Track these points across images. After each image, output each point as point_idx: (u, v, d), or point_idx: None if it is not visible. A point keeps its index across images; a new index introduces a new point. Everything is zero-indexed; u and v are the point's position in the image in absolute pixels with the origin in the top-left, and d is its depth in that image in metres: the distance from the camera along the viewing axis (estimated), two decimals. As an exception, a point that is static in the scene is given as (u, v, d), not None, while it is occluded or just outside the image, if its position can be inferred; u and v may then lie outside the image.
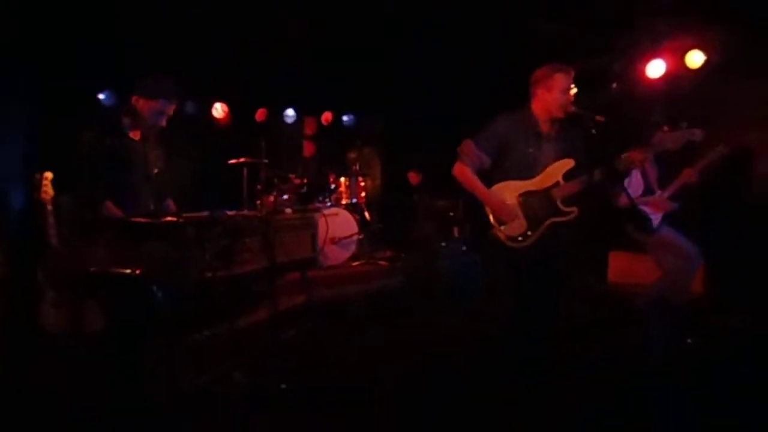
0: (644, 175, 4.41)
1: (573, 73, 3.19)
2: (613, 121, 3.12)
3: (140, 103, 3.33)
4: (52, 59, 5.14)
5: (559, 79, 3.16)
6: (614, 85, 5.95)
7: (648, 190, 4.40)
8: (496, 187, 3.29)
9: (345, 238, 6.07)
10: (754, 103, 5.01)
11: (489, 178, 3.34)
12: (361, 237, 6.25)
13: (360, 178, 6.84)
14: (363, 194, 6.86)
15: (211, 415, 2.92)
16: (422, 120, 7.40)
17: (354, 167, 6.89)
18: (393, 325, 4.64)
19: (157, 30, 5.28)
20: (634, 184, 4.43)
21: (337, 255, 6.05)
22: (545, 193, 3.21)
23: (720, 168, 4.35)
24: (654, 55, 5.48)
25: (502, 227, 3.27)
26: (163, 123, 3.41)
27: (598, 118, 3.07)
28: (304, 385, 3.23)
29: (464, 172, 3.30)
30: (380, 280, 5.93)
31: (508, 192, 3.26)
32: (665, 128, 3.93)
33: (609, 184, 3.21)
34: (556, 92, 3.16)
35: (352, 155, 7.49)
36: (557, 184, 3.19)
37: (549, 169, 3.22)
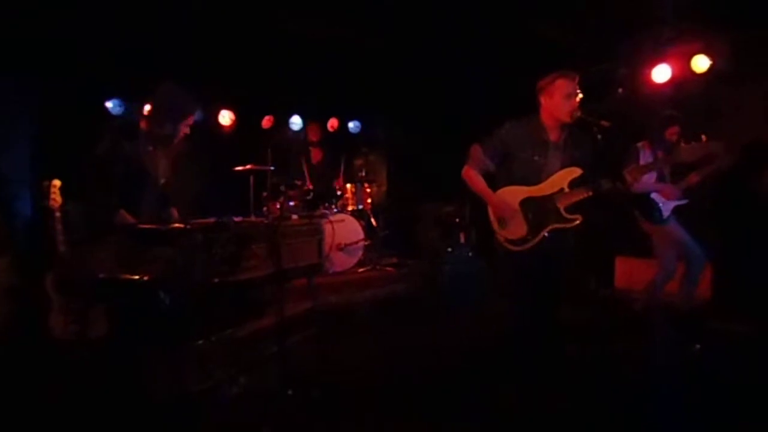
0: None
1: (576, 78, 3.20)
2: (618, 126, 3.12)
3: (158, 118, 3.34)
4: (58, 67, 5.19)
5: (561, 84, 3.17)
6: (620, 90, 5.95)
7: (661, 178, 4.40)
8: (501, 191, 3.32)
9: (351, 244, 6.08)
10: (760, 108, 5.01)
11: (495, 181, 3.37)
12: (367, 243, 6.25)
13: (366, 185, 6.86)
14: (369, 201, 6.87)
15: (217, 420, 2.93)
16: (428, 127, 7.42)
17: (360, 174, 6.90)
18: (399, 331, 4.64)
19: (164, 37, 5.32)
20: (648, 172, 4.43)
21: (343, 261, 6.06)
22: (549, 199, 3.22)
23: (727, 174, 4.35)
24: (660, 60, 5.48)
25: (503, 230, 3.29)
26: (183, 133, 3.44)
27: (604, 123, 3.07)
28: (310, 391, 3.23)
29: (471, 175, 3.38)
30: (386, 286, 5.94)
31: (512, 196, 3.28)
32: (682, 142, 3.97)
33: (615, 194, 3.18)
34: (558, 98, 3.17)
35: (359, 162, 7.50)
36: (562, 191, 3.20)
37: (555, 177, 3.23)
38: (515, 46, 5.78)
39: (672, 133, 4.41)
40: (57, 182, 3.37)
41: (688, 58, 5.30)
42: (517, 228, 3.25)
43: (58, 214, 3.32)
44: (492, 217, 3.36)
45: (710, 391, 3.28)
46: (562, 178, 3.22)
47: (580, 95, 3.21)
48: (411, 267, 6.58)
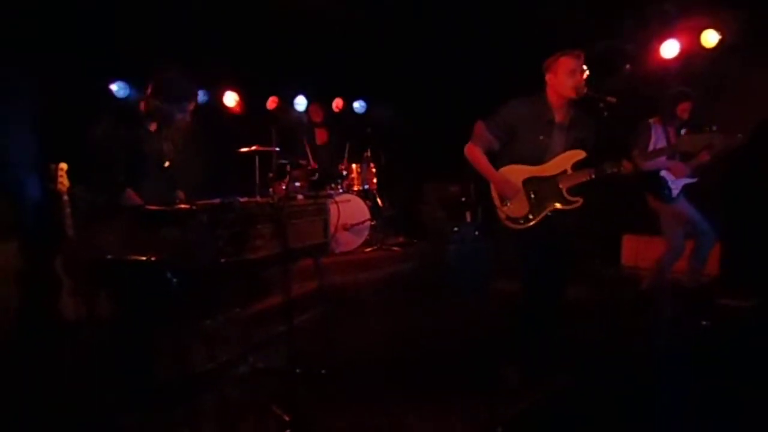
0: (668, 141, 4.37)
1: (581, 55, 3.18)
2: (626, 103, 3.09)
3: (157, 104, 3.34)
4: (63, 49, 5.17)
5: (565, 62, 3.17)
6: (628, 66, 5.88)
7: (671, 156, 4.37)
8: (504, 170, 3.32)
9: (357, 224, 6.09)
10: (764, 85, 4.94)
11: (497, 159, 3.37)
12: (373, 223, 6.26)
13: (371, 165, 6.84)
14: (375, 180, 6.87)
15: (225, 399, 2.97)
16: (434, 106, 7.37)
17: (365, 154, 6.89)
18: (405, 310, 4.66)
19: (169, 19, 5.29)
20: (658, 148, 4.41)
21: (349, 241, 6.08)
22: (552, 180, 3.23)
23: (737, 152, 4.30)
24: (668, 36, 5.40)
25: (505, 207, 3.30)
26: (184, 119, 3.43)
27: (610, 99, 3.05)
28: (317, 369, 3.26)
29: (474, 152, 3.37)
30: (392, 266, 5.95)
31: (515, 175, 3.28)
32: (685, 131, 3.95)
33: (619, 177, 3.17)
34: (562, 75, 3.17)
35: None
36: (565, 172, 3.21)
37: (559, 158, 3.24)
38: (520, 24, 5.71)
39: (683, 109, 4.37)
40: (64, 165, 3.38)
41: (697, 32, 5.23)
42: (519, 207, 3.26)
43: (65, 197, 3.33)
44: (494, 195, 3.37)
45: (718, 367, 3.29)
46: (566, 159, 3.22)
47: (587, 72, 3.19)
48: (417, 247, 6.59)
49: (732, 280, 4.87)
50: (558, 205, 3.22)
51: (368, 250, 6.25)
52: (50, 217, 3.43)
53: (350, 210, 6.04)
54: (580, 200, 3.20)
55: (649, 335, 3.88)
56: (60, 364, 3.20)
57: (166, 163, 3.48)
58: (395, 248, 6.47)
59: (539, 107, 3.26)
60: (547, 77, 3.25)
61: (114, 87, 5.90)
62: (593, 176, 3.15)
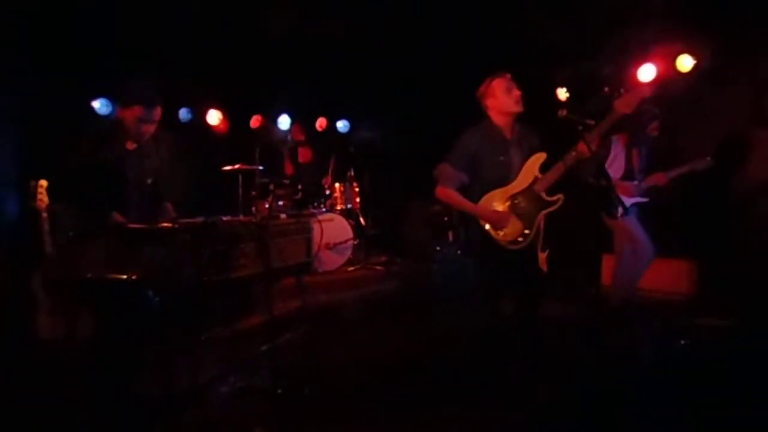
0: (628, 160, 4.52)
1: (509, 76, 3.36)
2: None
3: (121, 113, 3.32)
4: (45, 66, 5.15)
5: (499, 83, 3.35)
6: (606, 89, 5.99)
7: (628, 175, 4.50)
8: (484, 200, 3.36)
9: (340, 243, 6.10)
10: (743, 107, 5.09)
11: (469, 193, 3.40)
12: (356, 242, 6.27)
13: (355, 184, 6.87)
14: (358, 200, 6.89)
15: (207, 419, 2.93)
16: (416, 126, 7.44)
17: (348, 173, 6.92)
18: (388, 329, 4.65)
19: (153, 37, 5.30)
20: (616, 166, 4.52)
21: (332, 260, 6.08)
22: (528, 189, 3.32)
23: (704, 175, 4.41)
24: (645, 59, 5.53)
25: (501, 234, 3.33)
26: (149, 130, 3.33)
27: (589, 121, 3.15)
28: (301, 389, 3.24)
29: (448, 194, 3.40)
30: (375, 284, 5.96)
31: (496, 201, 3.35)
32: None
33: (583, 162, 3.27)
34: (501, 95, 3.33)
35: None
36: (536, 178, 3.31)
37: (524, 170, 3.34)
38: (502, 46, 5.81)
39: (654, 128, 4.52)
40: (44, 182, 3.35)
41: (673, 57, 5.37)
42: (515, 228, 3.31)
43: (45, 214, 3.30)
44: (487, 229, 3.36)
45: (695, 385, 3.33)
46: (531, 167, 3.33)
47: (567, 95, 3.27)
48: (400, 266, 6.61)
49: (708, 299, 4.93)
50: (545, 210, 3.31)
51: (351, 269, 6.25)
52: (29, 233, 3.39)
53: (333, 229, 6.05)
54: (561, 197, 3.30)
55: (626, 353, 3.91)
56: (36, 382, 3.14)
57: (149, 180, 3.45)
58: (378, 267, 6.48)
59: (489, 131, 3.39)
60: (487, 102, 3.40)
61: (96, 104, 5.86)
62: (564, 168, 3.24)
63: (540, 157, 3.32)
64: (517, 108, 3.31)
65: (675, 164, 4.47)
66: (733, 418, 2.89)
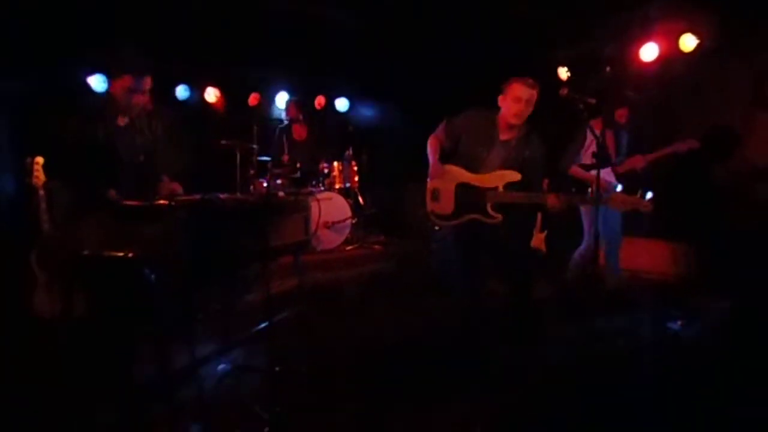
0: (602, 145, 4.41)
1: (532, 84, 3.32)
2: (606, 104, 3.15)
3: (112, 86, 3.26)
4: (39, 42, 5.08)
5: (515, 87, 3.32)
6: (608, 68, 5.94)
7: (606, 160, 4.43)
8: (448, 166, 3.50)
9: (338, 222, 6.08)
10: (744, 87, 5.04)
11: (448, 159, 3.57)
12: (354, 221, 6.26)
13: (353, 163, 6.83)
14: (356, 179, 6.86)
15: (204, 398, 2.95)
16: (416, 105, 7.38)
17: (347, 152, 6.87)
18: (386, 308, 4.66)
19: (150, 14, 5.22)
20: (590, 151, 4.46)
21: (330, 239, 6.07)
22: (481, 192, 3.39)
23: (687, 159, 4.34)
24: (647, 39, 5.47)
25: (433, 203, 3.52)
26: (140, 101, 3.25)
27: (590, 100, 3.14)
28: (298, 368, 3.25)
29: (431, 143, 3.61)
30: (373, 264, 5.96)
31: (452, 175, 3.47)
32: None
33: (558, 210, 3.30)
34: (510, 99, 3.34)
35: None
36: (496, 188, 3.36)
37: (494, 174, 3.39)
38: (503, 25, 5.75)
39: (621, 114, 4.42)
40: (40, 159, 3.31)
41: (675, 36, 5.30)
42: (446, 206, 3.46)
43: (41, 191, 3.27)
44: (428, 188, 3.56)
45: (691, 365, 3.35)
46: (502, 177, 3.37)
47: (568, 74, 3.25)
48: (398, 245, 6.60)
49: (705, 281, 4.95)
50: (475, 216, 3.38)
51: (349, 248, 6.24)
52: (25, 211, 3.37)
53: (332, 208, 6.03)
54: (500, 217, 3.36)
55: (622, 335, 3.93)
56: (34, 360, 3.15)
57: (141, 158, 3.39)
58: (376, 246, 6.47)
59: (487, 122, 3.44)
60: (499, 99, 3.42)
61: (92, 80, 5.79)
62: (526, 200, 3.30)
63: (512, 176, 3.35)
64: (514, 120, 3.33)
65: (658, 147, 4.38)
66: (728, 399, 2.90)
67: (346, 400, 3.01)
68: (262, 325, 3.69)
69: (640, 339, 3.91)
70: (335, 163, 6.65)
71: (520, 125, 3.38)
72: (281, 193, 4.11)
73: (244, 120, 6.27)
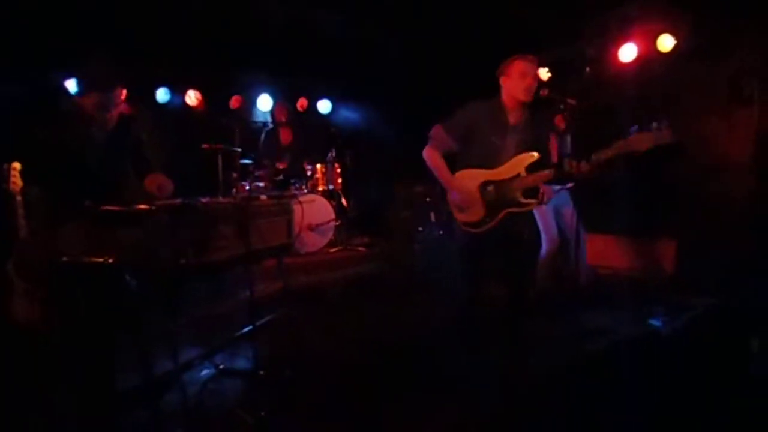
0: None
1: (535, 61, 3.25)
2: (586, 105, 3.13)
3: (79, 101, 3.19)
4: (16, 46, 5.01)
5: (518, 65, 3.23)
6: (588, 69, 6.00)
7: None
8: (460, 174, 3.35)
9: (322, 224, 6.06)
10: (722, 87, 5.11)
11: (454, 163, 3.39)
12: (338, 223, 6.25)
13: (336, 165, 6.82)
14: (339, 181, 6.85)
15: (188, 402, 2.92)
16: (399, 106, 7.40)
17: (330, 154, 6.86)
18: (370, 310, 4.66)
19: (130, 17, 5.17)
20: None
21: (314, 241, 6.05)
22: (507, 183, 3.25)
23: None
24: (625, 40, 5.53)
25: (461, 215, 3.34)
26: (114, 114, 3.16)
27: (570, 100, 3.15)
28: (282, 371, 3.24)
29: (432, 156, 3.39)
30: (357, 266, 5.95)
31: (470, 179, 3.31)
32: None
33: (577, 175, 3.19)
34: (515, 76, 3.23)
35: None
36: (519, 175, 3.23)
37: (512, 161, 3.26)
38: (484, 26, 5.78)
39: (559, 120, 4.42)
40: (17, 165, 3.25)
41: (653, 36, 5.37)
42: (476, 211, 3.30)
43: (18, 197, 3.22)
44: (450, 202, 3.39)
45: (673, 365, 3.38)
46: (520, 162, 3.23)
47: (549, 74, 3.24)
48: (382, 247, 6.60)
49: (687, 278, 5.00)
50: (512, 209, 3.25)
51: (333, 250, 6.23)
52: (2, 217, 3.31)
53: (315, 210, 6.01)
54: (535, 202, 3.24)
55: (603, 332, 3.96)
56: (14, 368, 3.10)
57: (117, 168, 3.32)
58: (360, 248, 6.47)
59: (495, 110, 3.31)
60: (502, 80, 3.31)
61: (69, 84, 5.72)
62: (552, 177, 3.16)
63: (530, 157, 3.22)
64: (524, 96, 3.21)
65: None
66: (708, 394, 2.94)
67: (331, 404, 3.00)
68: (246, 329, 3.67)
69: (623, 336, 3.94)
70: (318, 165, 6.64)
71: (526, 105, 3.27)
72: (264, 196, 4.08)
73: (227, 123, 6.23)
